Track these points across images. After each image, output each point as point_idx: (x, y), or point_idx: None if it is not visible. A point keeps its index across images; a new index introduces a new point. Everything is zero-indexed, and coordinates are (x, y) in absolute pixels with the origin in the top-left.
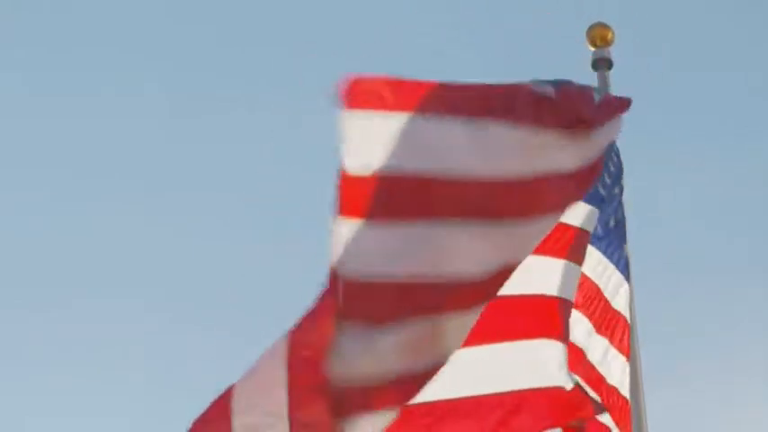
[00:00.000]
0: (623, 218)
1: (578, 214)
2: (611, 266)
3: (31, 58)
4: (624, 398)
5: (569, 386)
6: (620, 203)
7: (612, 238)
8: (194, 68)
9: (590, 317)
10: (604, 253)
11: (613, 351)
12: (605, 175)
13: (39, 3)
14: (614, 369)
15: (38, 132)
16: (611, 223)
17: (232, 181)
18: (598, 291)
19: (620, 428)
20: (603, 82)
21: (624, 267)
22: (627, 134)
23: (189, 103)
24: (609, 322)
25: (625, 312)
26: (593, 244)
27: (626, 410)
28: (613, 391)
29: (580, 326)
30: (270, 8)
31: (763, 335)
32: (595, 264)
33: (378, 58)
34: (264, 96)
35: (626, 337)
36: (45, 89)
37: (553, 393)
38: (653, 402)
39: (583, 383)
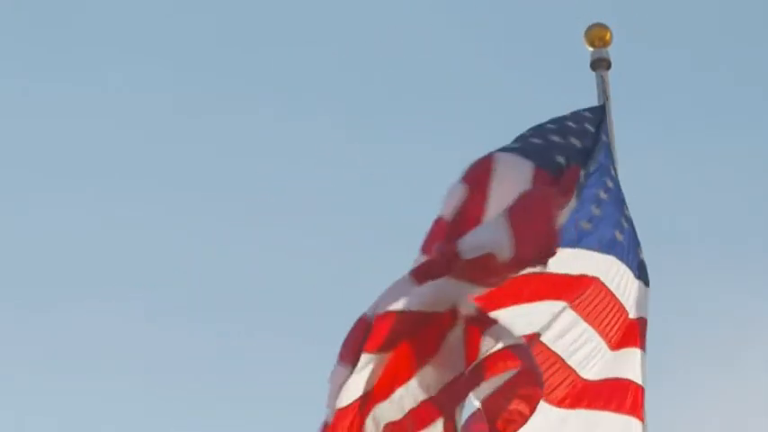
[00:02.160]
0: (631, 220)
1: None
2: (629, 273)
3: (33, 56)
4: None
5: None
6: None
7: (627, 241)
8: (195, 68)
9: (602, 331)
10: (623, 259)
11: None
12: (608, 179)
13: (40, 0)
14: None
15: (38, 132)
16: (625, 225)
17: (231, 181)
18: (616, 305)
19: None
20: (602, 82)
21: (638, 268)
22: (626, 134)
23: (190, 102)
24: (625, 332)
25: (644, 314)
26: (612, 250)
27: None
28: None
29: (589, 344)
30: (272, 7)
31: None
32: (614, 274)
33: (378, 56)
34: (265, 96)
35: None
36: (46, 88)
37: None
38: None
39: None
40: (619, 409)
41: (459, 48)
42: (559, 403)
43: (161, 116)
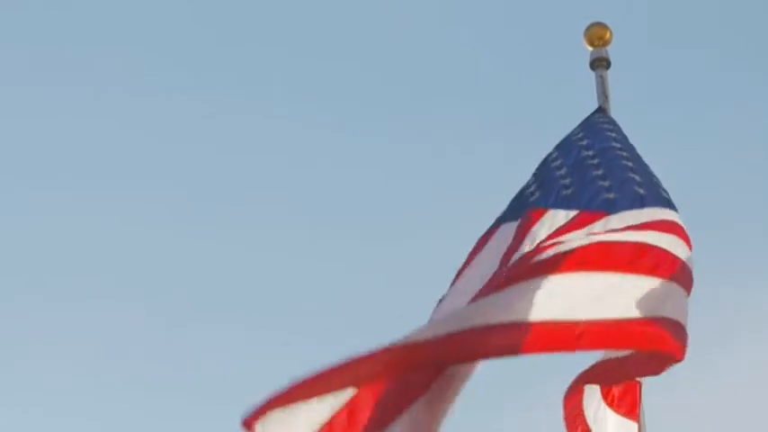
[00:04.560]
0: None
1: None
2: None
3: (39, 56)
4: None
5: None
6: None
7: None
8: (196, 68)
9: None
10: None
11: None
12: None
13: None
14: None
15: (37, 132)
16: (636, 177)
17: (231, 181)
18: None
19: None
20: (601, 81)
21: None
22: (625, 133)
23: (190, 102)
24: None
25: None
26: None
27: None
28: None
29: None
30: (278, 10)
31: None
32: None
33: (378, 55)
34: (266, 96)
35: None
36: (50, 88)
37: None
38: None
39: None
40: (628, 413)
41: (459, 47)
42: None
43: (160, 116)
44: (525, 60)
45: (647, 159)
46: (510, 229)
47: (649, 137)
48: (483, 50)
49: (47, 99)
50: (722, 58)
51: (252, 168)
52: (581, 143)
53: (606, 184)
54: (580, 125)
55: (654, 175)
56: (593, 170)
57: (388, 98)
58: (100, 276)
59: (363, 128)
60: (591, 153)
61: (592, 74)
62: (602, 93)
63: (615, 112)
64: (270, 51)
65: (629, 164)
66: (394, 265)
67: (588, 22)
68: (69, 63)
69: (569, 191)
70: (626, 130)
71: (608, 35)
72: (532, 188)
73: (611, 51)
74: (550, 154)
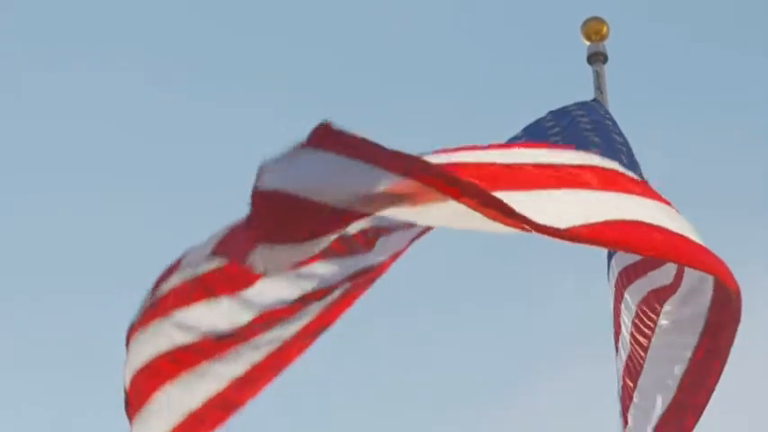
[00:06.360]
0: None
1: None
2: None
3: (39, 55)
4: None
5: None
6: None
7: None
8: (195, 67)
9: None
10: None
11: None
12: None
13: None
14: None
15: (41, 131)
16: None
17: (230, 179)
18: None
19: None
20: (599, 76)
21: None
22: (623, 127)
23: (190, 102)
24: None
25: None
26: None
27: None
28: None
29: None
30: (279, 10)
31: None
32: None
33: (375, 50)
34: (264, 94)
35: None
36: (46, 87)
37: None
38: None
39: None
40: None
41: (455, 42)
42: None
43: (160, 116)
44: (522, 55)
45: (644, 153)
46: None
47: (647, 131)
48: (479, 45)
49: (47, 98)
50: (721, 52)
51: (251, 167)
52: (577, 112)
53: (596, 140)
54: (576, 103)
55: (638, 164)
56: (586, 132)
57: (382, 93)
58: (99, 276)
59: (359, 124)
60: (586, 119)
61: (589, 68)
62: (597, 87)
63: (613, 107)
64: (270, 51)
65: (620, 146)
66: (395, 269)
67: (585, 17)
68: (69, 63)
69: (558, 138)
70: (624, 124)
71: (605, 30)
72: (519, 134)
73: (609, 46)
74: (544, 117)
